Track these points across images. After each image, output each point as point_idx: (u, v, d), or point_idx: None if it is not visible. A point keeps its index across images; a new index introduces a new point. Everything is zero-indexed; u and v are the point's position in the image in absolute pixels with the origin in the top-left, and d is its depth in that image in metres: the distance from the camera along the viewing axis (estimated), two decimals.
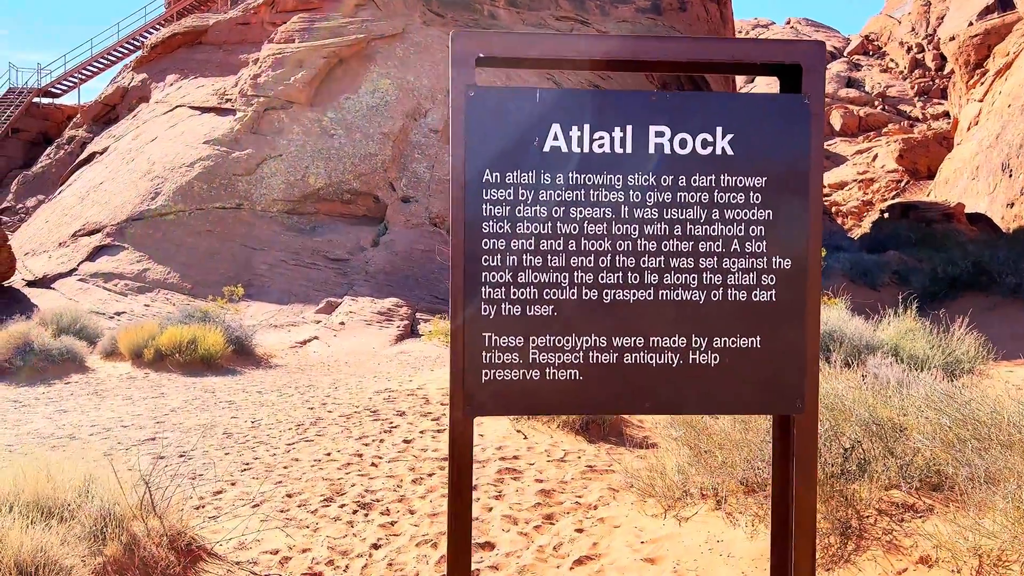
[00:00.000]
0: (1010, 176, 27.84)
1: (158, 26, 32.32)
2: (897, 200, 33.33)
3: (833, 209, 35.23)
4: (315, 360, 12.53)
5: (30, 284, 17.70)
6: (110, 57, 32.48)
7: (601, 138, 2.13)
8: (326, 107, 21.92)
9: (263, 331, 14.43)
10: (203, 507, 4.82)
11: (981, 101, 33.12)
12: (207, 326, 11.64)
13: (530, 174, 2.12)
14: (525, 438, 6.40)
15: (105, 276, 17.56)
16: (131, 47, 32.15)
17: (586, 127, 2.14)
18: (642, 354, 2.14)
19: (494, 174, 2.12)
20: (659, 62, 2.17)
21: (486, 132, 2.13)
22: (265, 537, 4.22)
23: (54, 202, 23.45)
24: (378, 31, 24.10)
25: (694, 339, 2.16)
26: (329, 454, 6.12)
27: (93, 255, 18.33)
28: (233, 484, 5.32)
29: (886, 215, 29.96)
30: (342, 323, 15.14)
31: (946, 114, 43.31)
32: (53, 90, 32.41)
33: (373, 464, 5.80)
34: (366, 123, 21.81)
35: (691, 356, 2.16)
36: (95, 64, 32.42)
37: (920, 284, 16.31)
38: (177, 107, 24.00)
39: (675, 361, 2.15)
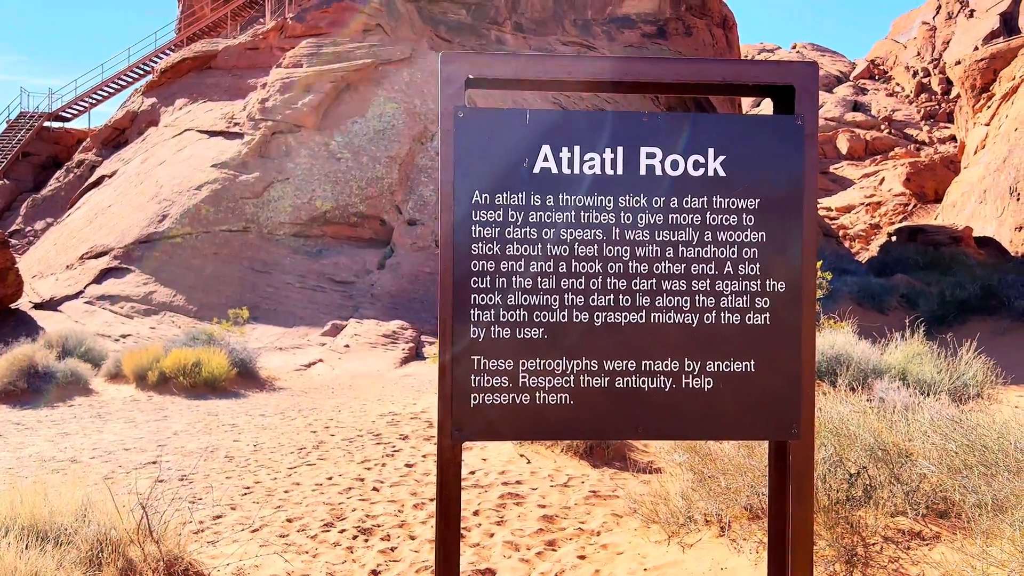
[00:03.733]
0: (1018, 200, 27.78)
1: (168, 51, 32.71)
2: (904, 224, 33.28)
3: (840, 232, 35.19)
4: (319, 383, 12.50)
5: (37, 307, 17.77)
6: (120, 81, 32.84)
7: (592, 160, 2.12)
8: (333, 131, 22.07)
9: (268, 354, 14.43)
10: (202, 531, 4.78)
11: (988, 125, 33.15)
12: (211, 349, 11.64)
13: (520, 196, 2.11)
14: (528, 462, 6.35)
15: (111, 299, 17.61)
16: (141, 71, 32.53)
17: (576, 148, 2.12)
18: (634, 378, 2.11)
19: (483, 195, 2.11)
20: (651, 83, 2.16)
21: (475, 153, 2.11)
22: (264, 563, 4.17)
23: (62, 225, 23.61)
24: (385, 56, 24.32)
25: (687, 363, 2.12)
26: (331, 478, 6.08)
27: (100, 278, 18.41)
28: (233, 508, 5.28)
29: (894, 238, 29.91)
30: (347, 346, 15.13)
31: (952, 138, 43.38)
32: (64, 114, 32.75)
33: (375, 488, 5.76)
34: (373, 147, 21.94)
35: (684, 380, 2.12)
36: (105, 88, 32.78)
37: (928, 308, 16.21)
38: (186, 131, 24.21)
39: (668, 385, 2.12)
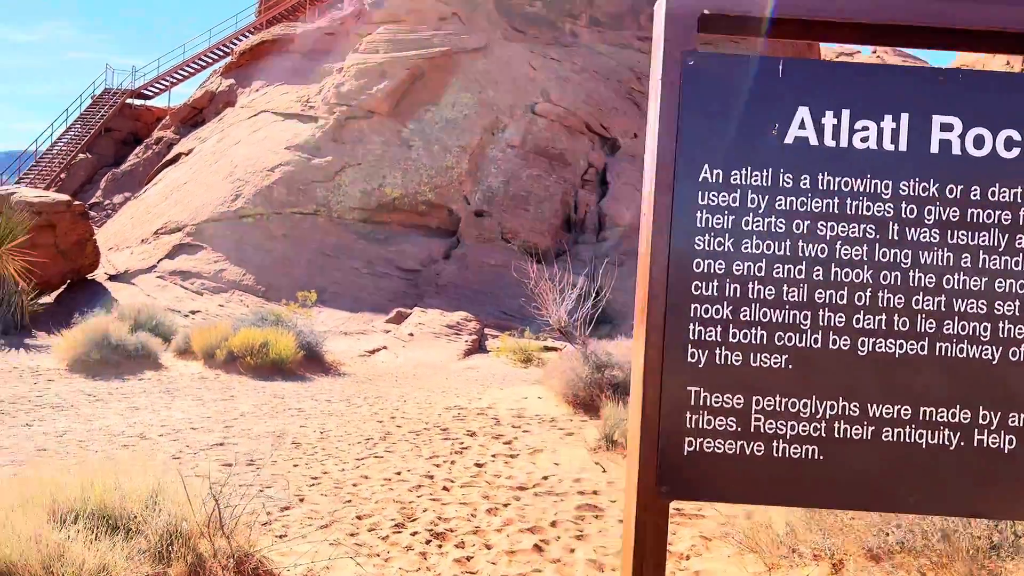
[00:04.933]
0: None
1: (247, 33, 33.19)
2: None
3: None
4: (383, 370, 12.37)
5: (112, 278, 18.15)
6: (200, 62, 33.48)
7: (865, 129, 1.63)
8: (406, 118, 22.00)
9: (333, 338, 14.38)
10: (270, 523, 4.59)
11: None
12: (279, 330, 11.60)
13: (764, 174, 1.64)
14: (604, 471, 6.02)
15: (183, 274, 17.87)
16: (221, 53, 33.08)
17: (845, 113, 1.64)
18: (909, 429, 1.61)
19: (715, 172, 1.64)
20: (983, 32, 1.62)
21: (707, 115, 1.64)
22: (335, 565, 3.95)
23: (139, 200, 24.14)
24: (461, 45, 24.15)
25: (982, 413, 1.62)
26: (399, 473, 5.86)
27: (173, 253, 18.71)
28: (301, 500, 5.09)
29: None
30: (411, 334, 15.00)
31: None
32: (145, 92, 33.56)
33: (445, 488, 5.51)
34: (444, 136, 21.80)
35: (978, 436, 1.63)
36: (186, 68, 33.46)
37: None
38: (261, 112, 24.47)
39: (955, 442, 1.62)
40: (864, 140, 1.63)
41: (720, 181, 1.63)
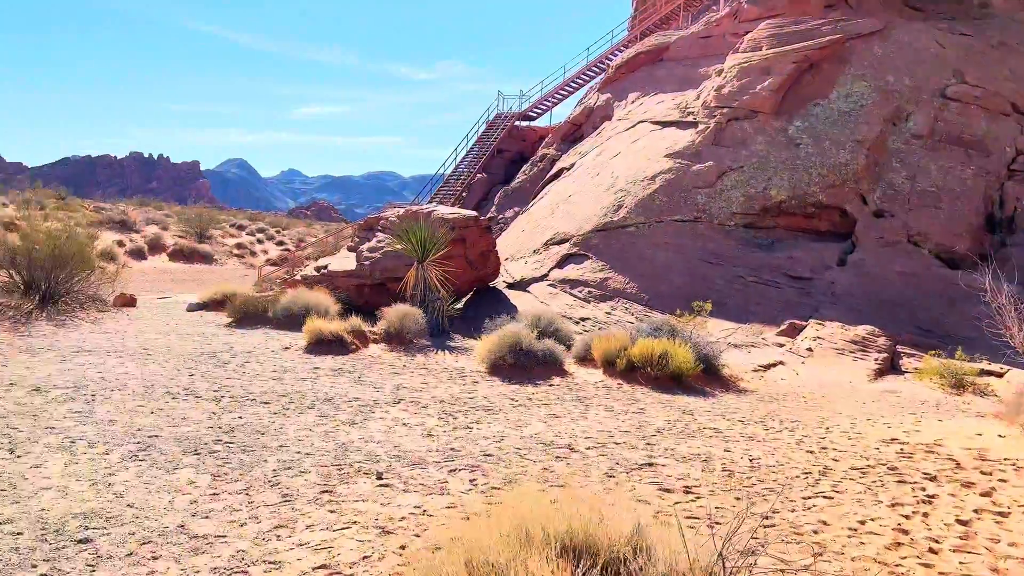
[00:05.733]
0: None
1: (621, 48, 34.09)
2: None
3: None
4: (785, 389, 11.40)
5: (509, 286, 19.61)
6: (578, 81, 35.21)
7: None
8: (792, 115, 20.54)
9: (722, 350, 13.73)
10: (736, 573, 4.09)
11: None
12: (675, 341, 11.28)
13: None
14: None
15: (571, 283, 18.63)
16: (598, 70, 34.43)
17: None
18: None
19: None
20: None
21: None
22: None
23: (527, 213, 25.93)
24: (854, 30, 21.92)
25: None
26: (863, 523, 5.01)
27: (561, 263, 19.63)
28: (760, 544, 4.52)
29: None
30: (809, 349, 13.74)
31: None
32: (530, 114, 36.24)
33: (931, 550, 4.53)
34: (836, 130, 19.91)
35: None
36: (566, 88, 35.43)
37: None
38: (639, 123, 24.76)
39: None
40: None
41: None
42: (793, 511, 5.23)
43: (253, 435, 6.70)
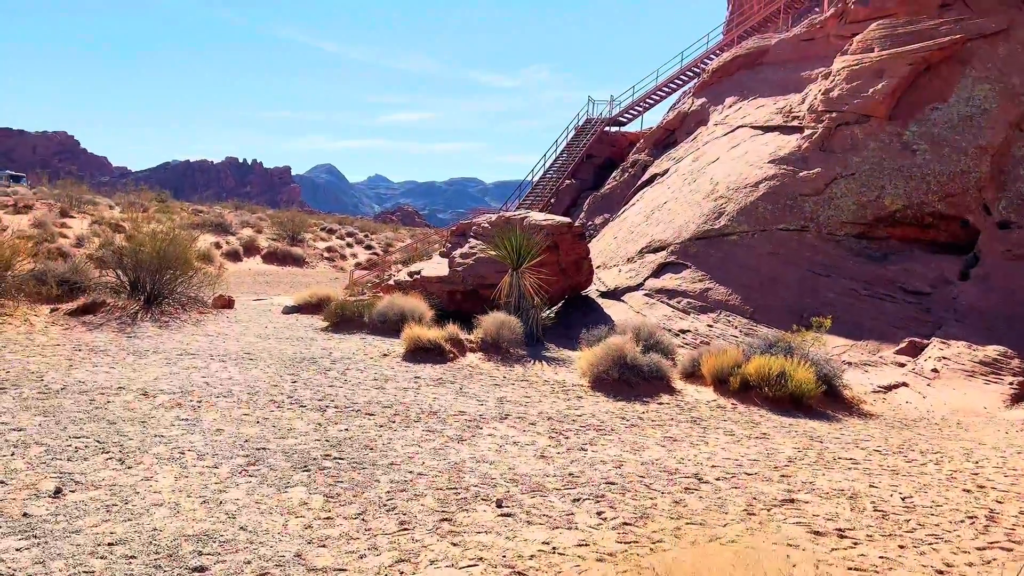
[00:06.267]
0: None
1: (717, 53, 33.14)
2: None
3: None
4: (914, 414, 10.52)
5: (603, 295, 19.08)
6: (671, 86, 34.37)
7: None
8: (907, 120, 19.32)
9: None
10: None
11: None
12: (792, 359, 10.55)
13: None
14: None
15: (668, 293, 17.96)
16: (691, 75, 33.55)
17: None
18: None
19: None
20: None
21: None
22: None
23: (619, 220, 25.32)
24: (975, 30, 20.49)
25: None
26: None
27: (658, 272, 18.98)
28: None
29: None
30: (935, 370, 12.72)
31: None
32: (620, 119, 35.59)
33: None
34: (956, 135, 18.61)
35: None
36: (658, 93, 34.65)
37: None
38: (738, 128, 23.86)
39: None
40: None
41: None
42: (970, 564, 4.57)
43: (362, 450, 6.42)
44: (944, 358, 13.24)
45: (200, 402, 7.79)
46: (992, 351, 13.30)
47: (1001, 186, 17.88)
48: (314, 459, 6.08)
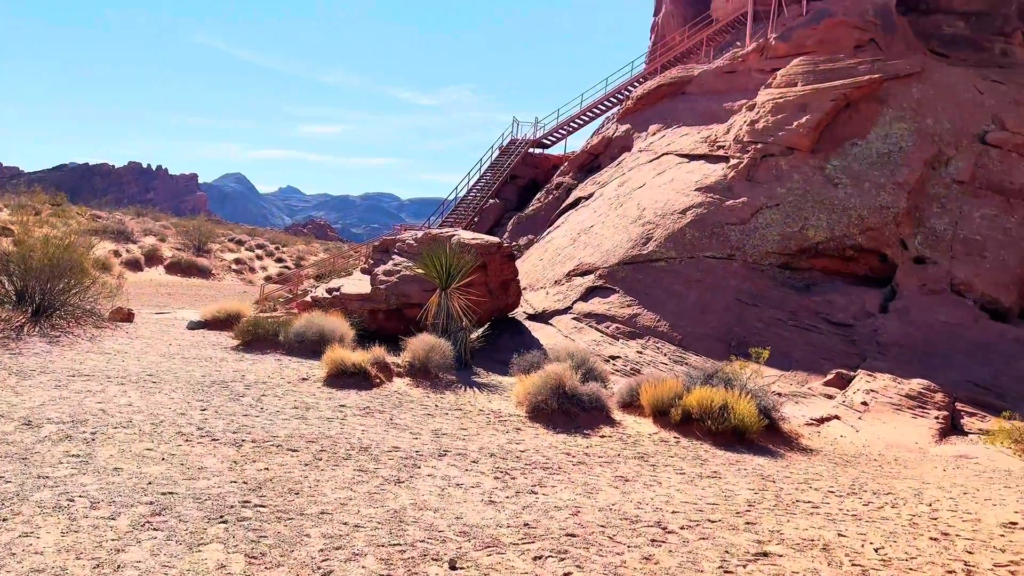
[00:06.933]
0: None
1: (639, 81, 33.46)
2: None
3: None
4: (851, 449, 10.39)
5: (530, 317, 18.59)
6: (596, 110, 34.50)
7: None
8: (829, 154, 19.76)
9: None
10: None
11: None
12: (732, 391, 10.27)
13: None
14: None
15: (597, 317, 17.63)
16: (615, 101, 33.75)
17: None
18: None
19: None
20: None
21: None
22: None
23: (545, 242, 25.00)
24: (892, 71, 21.26)
25: None
26: None
27: (586, 295, 18.65)
28: None
29: None
30: (864, 403, 12.75)
31: None
32: (544, 141, 35.45)
33: None
34: (875, 171, 19.13)
35: None
36: (582, 117, 34.71)
37: None
38: (663, 155, 23.95)
39: None
40: None
41: None
42: None
43: (286, 495, 5.64)
44: (872, 391, 13.31)
45: (95, 434, 6.79)
46: (916, 384, 13.46)
47: (917, 222, 18.42)
48: (231, 507, 5.26)
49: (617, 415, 10.41)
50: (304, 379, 10.72)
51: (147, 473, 5.83)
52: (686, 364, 15.22)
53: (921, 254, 17.99)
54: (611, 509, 6.05)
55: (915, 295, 17.25)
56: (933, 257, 17.87)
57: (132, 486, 5.50)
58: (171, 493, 5.43)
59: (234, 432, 7.32)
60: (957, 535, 6.19)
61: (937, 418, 12.36)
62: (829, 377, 14.26)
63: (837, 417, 12.29)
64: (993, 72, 23.52)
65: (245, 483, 5.82)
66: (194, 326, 16.82)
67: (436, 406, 9.89)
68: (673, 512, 6.13)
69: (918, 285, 17.48)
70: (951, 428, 12.36)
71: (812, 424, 11.94)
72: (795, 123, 20.22)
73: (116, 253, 32.94)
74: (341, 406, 9.15)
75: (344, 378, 10.73)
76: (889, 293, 17.61)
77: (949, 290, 17.34)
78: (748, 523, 6.01)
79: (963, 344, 15.59)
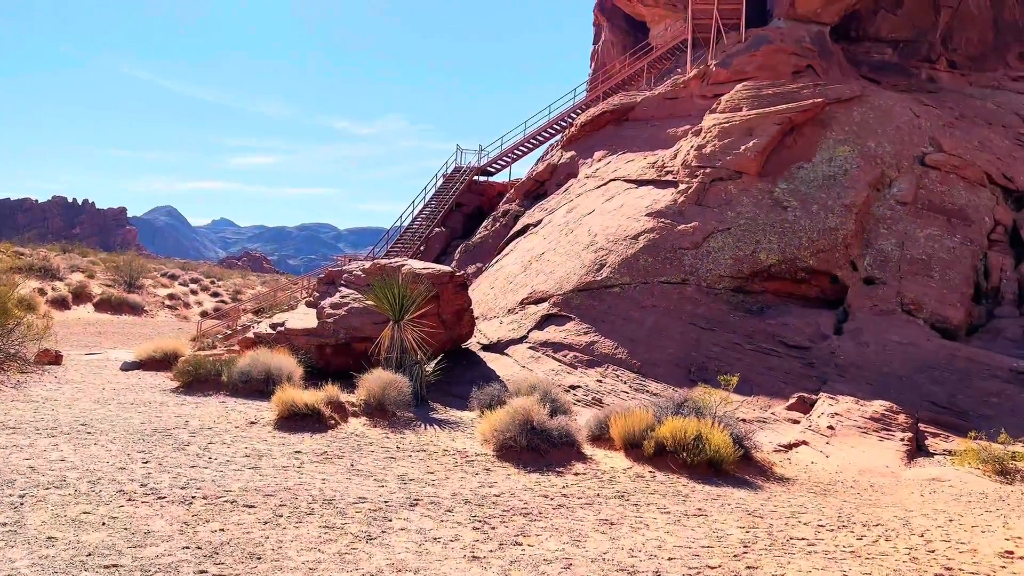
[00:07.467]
0: None
1: (582, 108, 33.58)
2: None
3: None
4: (825, 476, 10.17)
5: (485, 348, 18.10)
6: (540, 137, 34.44)
7: None
8: (776, 178, 19.95)
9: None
10: None
11: None
12: (705, 421, 9.97)
13: None
14: None
15: (554, 346, 17.25)
16: (559, 128, 33.77)
17: None
18: None
19: None
20: None
21: None
22: None
23: (495, 269, 24.60)
24: (833, 95, 21.70)
25: None
26: None
27: (541, 324, 18.27)
28: None
29: None
30: (830, 427, 12.63)
31: None
32: (489, 169, 35.21)
33: None
34: (822, 194, 19.37)
35: None
36: (526, 144, 34.61)
37: None
38: (611, 181, 23.90)
39: None
40: None
41: None
42: None
43: (247, 560, 5.02)
44: (836, 414, 13.21)
45: (23, 497, 6.04)
46: (879, 406, 13.42)
47: (866, 243, 18.65)
48: None
49: (587, 449, 9.98)
50: (253, 423, 10.01)
51: (86, 542, 5.14)
52: (647, 392, 14.95)
53: (871, 275, 18.18)
54: (604, 559, 5.60)
55: (867, 316, 17.38)
56: (883, 277, 18.07)
57: (69, 559, 4.81)
58: (115, 566, 4.76)
59: (182, 487, 6.64)
60: (960, 569, 5.93)
61: (903, 440, 12.30)
62: (791, 401, 14.14)
63: (805, 443, 12.12)
64: (924, 96, 24.32)
65: (199, 548, 5.18)
66: (128, 367, 15.84)
67: (397, 447, 9.31)
68: (669, 559, 5.71)
69: (870, 306, 17.63)
70: (916, 449, 12.31)
71: (781, 450, 11.72)
72: (742, 147, 20.36)
73: (41, 291, 31.27)
74: (296, 452, 8.50)
75: (296, 420, 10.06)
76: (842, 314, 17.71)
77: (900, 309, 17.53)
78: (749, 567, 5.64)
79: (918, 364, 15.69)
